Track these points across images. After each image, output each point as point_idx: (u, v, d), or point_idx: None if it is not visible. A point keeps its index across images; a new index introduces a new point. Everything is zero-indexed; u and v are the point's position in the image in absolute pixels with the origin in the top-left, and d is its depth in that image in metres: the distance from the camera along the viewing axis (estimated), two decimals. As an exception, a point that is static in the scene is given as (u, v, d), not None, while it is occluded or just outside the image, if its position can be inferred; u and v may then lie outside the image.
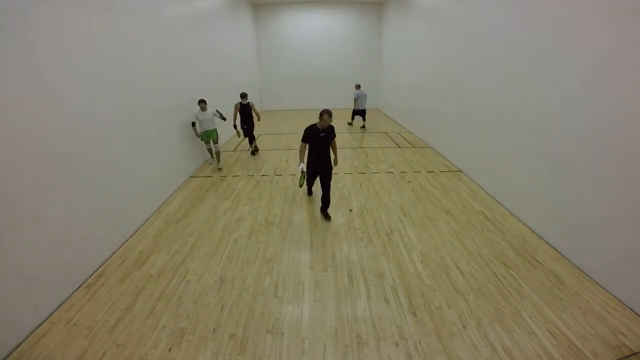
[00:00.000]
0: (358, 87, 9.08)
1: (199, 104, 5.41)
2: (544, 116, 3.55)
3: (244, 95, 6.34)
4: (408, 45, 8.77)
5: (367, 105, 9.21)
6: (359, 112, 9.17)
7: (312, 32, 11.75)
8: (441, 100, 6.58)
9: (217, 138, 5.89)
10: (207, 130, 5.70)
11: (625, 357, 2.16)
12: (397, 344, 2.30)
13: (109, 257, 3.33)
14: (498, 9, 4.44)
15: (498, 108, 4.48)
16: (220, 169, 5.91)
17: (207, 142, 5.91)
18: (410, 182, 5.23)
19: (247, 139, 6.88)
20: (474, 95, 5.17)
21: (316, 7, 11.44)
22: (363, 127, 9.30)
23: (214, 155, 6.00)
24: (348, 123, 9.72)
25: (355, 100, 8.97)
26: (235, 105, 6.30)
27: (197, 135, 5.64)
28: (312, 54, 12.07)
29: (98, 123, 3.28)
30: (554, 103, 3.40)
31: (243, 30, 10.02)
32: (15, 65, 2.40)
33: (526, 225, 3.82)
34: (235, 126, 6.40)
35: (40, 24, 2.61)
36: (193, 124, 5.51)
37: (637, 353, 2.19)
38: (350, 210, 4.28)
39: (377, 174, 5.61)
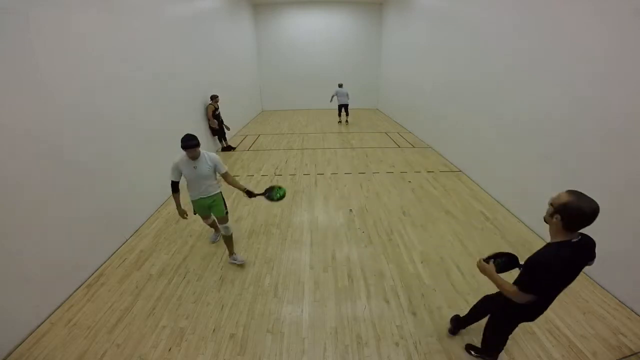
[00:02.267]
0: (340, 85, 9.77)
1: (184, 146, 2.64)
2: (544, 116, 3.55)
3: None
4: (408, 45, 8.77)
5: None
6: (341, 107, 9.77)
7: (312, 31, 11.75)
8: (441, 100, 6.58)
9: (226, 212, 3.04)
10: (200, 199, 2.93)
11: (625, 357, 2.16)
12: (397, 344, 2.30)
13: (109, 257, 3.33)
14: (499, 9, 4.44)
15: (498, 108, 4.48)
16: (242, 265, 3.17)
17: (207, 216, 3.20)
18: (410, 182, 5.22)
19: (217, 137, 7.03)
20: (474, 95, 5.17)
21: (316, 7, 11.43)
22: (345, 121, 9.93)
23: (221, 231, 3.12)
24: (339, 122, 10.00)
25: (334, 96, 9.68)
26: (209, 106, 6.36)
27: (179, 210, 2.97)
28: (312, 53, 12.06)
29: (98, 123, 3.28)
30: (554, 104, 3.40)
31: (243, 30, 10.02)
32: (14, 65, 2.40)
33: (526, 225, 3.82)
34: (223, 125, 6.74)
35: (40, 24, 2.61)
36: (174, 186, 2.80)
37: (637, 353, 2.19)
38: (351, 210, 4.28)
39: (377, 174, 5.61)
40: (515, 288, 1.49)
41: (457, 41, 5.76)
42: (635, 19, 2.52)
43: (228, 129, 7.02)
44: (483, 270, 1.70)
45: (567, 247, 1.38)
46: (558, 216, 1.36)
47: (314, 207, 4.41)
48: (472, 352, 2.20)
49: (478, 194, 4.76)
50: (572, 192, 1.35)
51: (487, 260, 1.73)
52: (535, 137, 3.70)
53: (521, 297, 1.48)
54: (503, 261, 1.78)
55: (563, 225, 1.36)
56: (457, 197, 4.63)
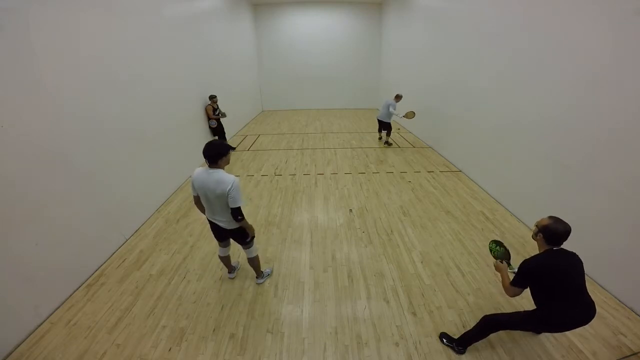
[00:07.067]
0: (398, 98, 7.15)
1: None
2: (544, 117, 3.55)
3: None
4: (408, 45, 8.77)
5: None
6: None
7: (312, 32, 11.74)
8: (441, 101, 6.58)
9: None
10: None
11: (625, 357, 2.17)
12: (397, 344, 2.30)
13: (109, 257, 3.33)
14: (499, 9, 4.43)
15: (498, 108, 4.48)
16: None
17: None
18: (410, 182, 5.22)
19: (217, 137, 6.97)
20: (474, 95, 5.16)
21: (316, 7, 11.42)
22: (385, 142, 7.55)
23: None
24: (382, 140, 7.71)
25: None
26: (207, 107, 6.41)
27: None
28: (312, 54, 12.05)
29: (98, 122, 3.28)
30: (554, 104, 3.40)
31: (243, 30, 10.01)
32: (15, 65, 2.40)
33: (526, 225, 3.82)
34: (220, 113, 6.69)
35: (41, 24, 2.61)
36: None
37: (637, 353, 2.19)
38: (350, 210, 4.28)
39: (377, 174, 5.61)
40: (508, 283, 1.90)
41: (456, 41, 5.76)
42: (636, 19, 2.52)
43: (224, 115, 6.83)
44: (499, 269, 2.08)
45: (548, 253, 1.77)
46: (541, 234, 1.80)
47: (314, 207, 4.40)
48: (444, 341, 2.31)
49: (478, 193, 4.76)
50: (551, 217, 1.78)
51: (501, 260, 2.15)
52: (535, 137, 3.69)
53: (509, 290, 1.87)
54: (502, 251, 2.20)
55: (545, 241, 1.78)
56: (456, 197, 4.63)
